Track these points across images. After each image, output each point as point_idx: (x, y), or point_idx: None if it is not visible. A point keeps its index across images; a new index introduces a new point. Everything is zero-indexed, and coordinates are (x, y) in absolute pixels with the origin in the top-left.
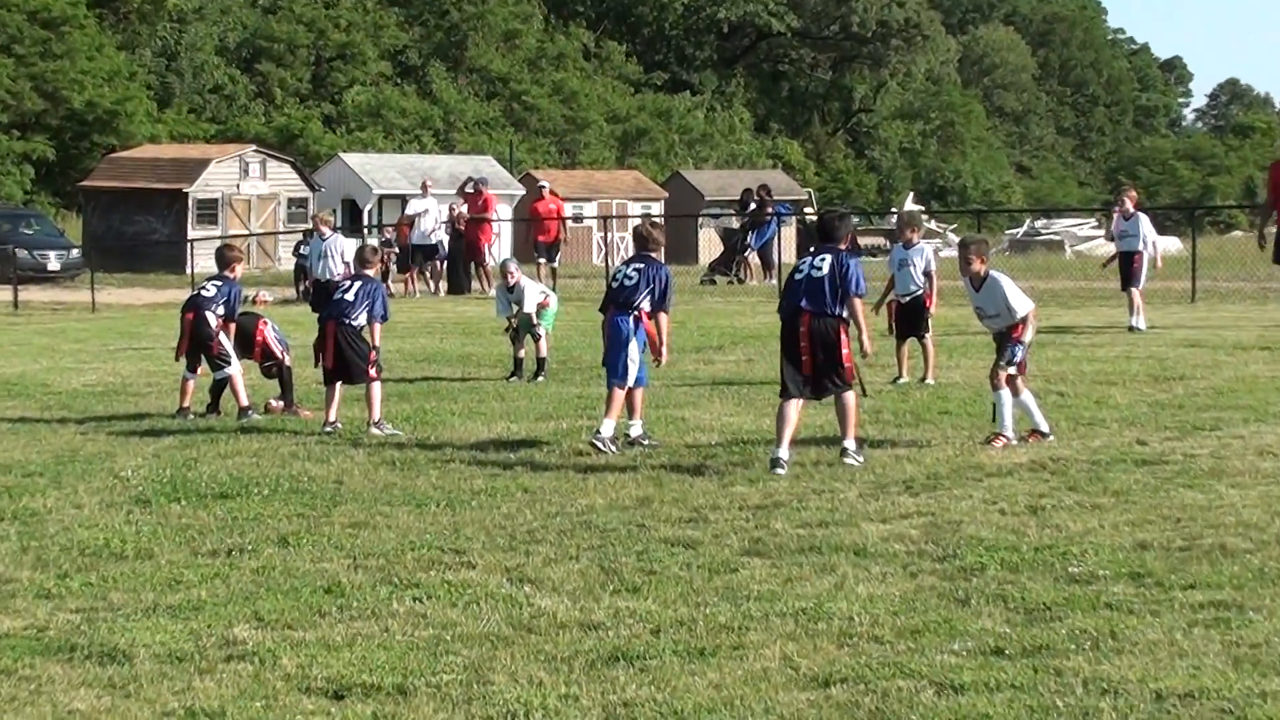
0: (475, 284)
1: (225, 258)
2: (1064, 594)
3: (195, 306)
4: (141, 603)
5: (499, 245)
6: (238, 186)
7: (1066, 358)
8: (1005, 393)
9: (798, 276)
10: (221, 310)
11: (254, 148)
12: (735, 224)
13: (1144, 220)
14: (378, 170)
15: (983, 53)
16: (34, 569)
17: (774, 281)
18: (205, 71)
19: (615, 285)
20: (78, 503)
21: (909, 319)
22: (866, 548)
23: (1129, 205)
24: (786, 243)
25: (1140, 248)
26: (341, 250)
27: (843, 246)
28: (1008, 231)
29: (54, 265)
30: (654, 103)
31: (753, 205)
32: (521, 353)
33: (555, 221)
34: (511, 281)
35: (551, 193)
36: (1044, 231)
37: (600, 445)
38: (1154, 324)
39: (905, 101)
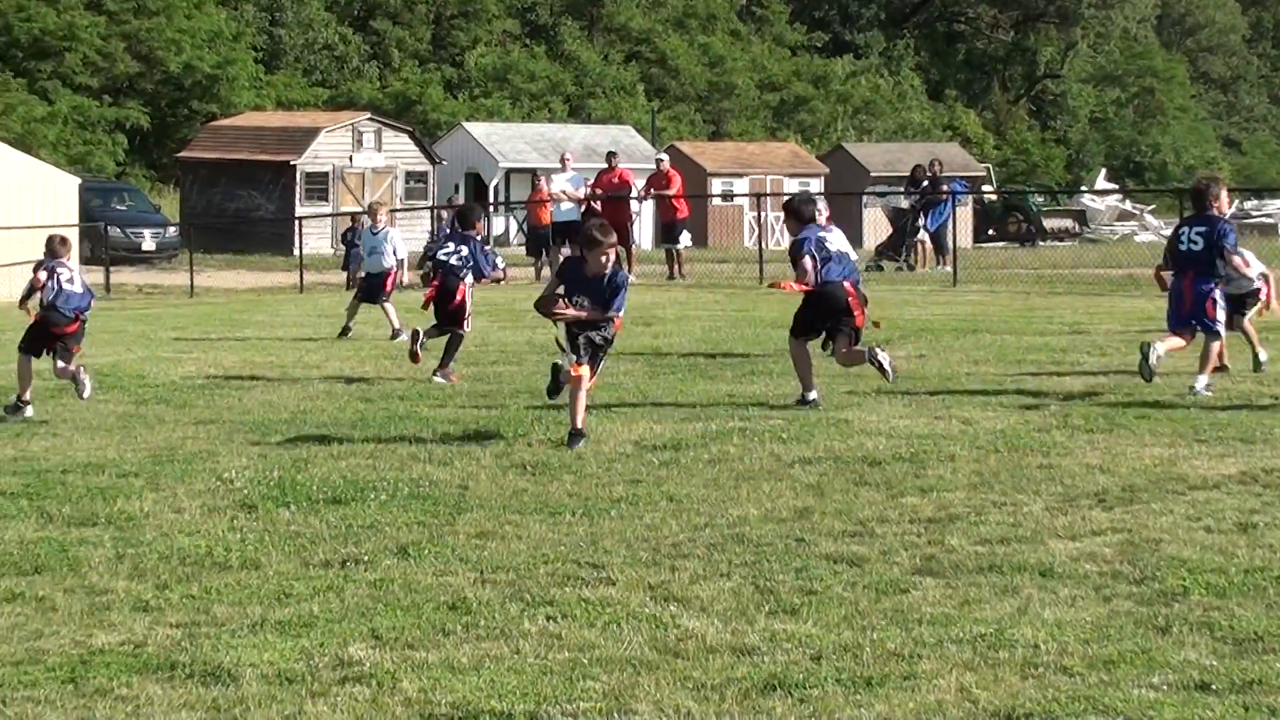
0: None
1: (468, 217)
2: (1278, 622)
3: (444, 270)
4: (247, 617)
5: (640, 225)
6: (350, 159)
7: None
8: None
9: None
10: (469, 277)
11: (368, 115)
12: (904, 203)
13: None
14: (504, 141)
15: (1186, 11)
16: (130, 579)
17: (948, 268)
18: (314, 30)
19: None
20: (177, 506)
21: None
22: (1053, 567)
23: None
24: (962, 224)
25: None
26: (395, 244)
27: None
28: None
29: (149, 245)
30: (812, 67)
31: (925, 182)
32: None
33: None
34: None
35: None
36: (1255, 214)
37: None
38: None
39: (1097, 66)
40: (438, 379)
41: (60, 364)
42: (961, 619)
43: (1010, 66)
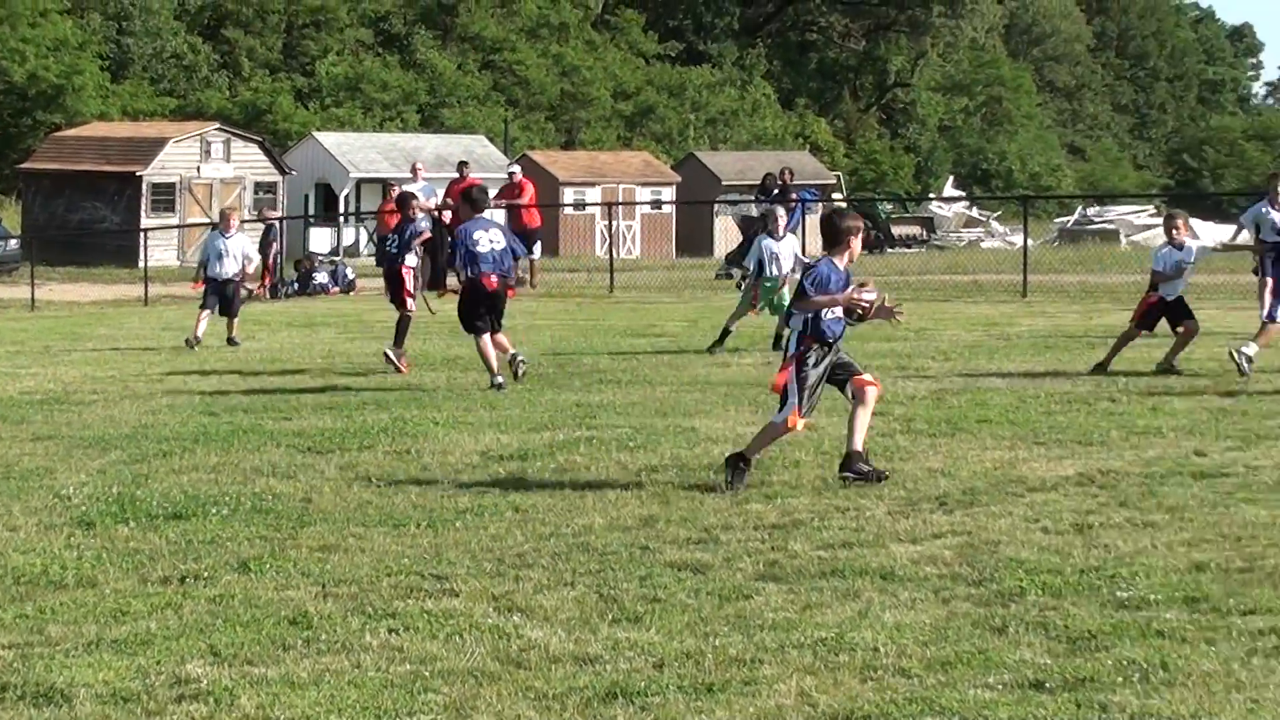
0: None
1: (406, 202)
2: (1111, 621)
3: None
4: (83, 637)
5: None
6: (198, 169)
7: (1119, 359)
8: None
9: None
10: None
11: (217, 126)
12: (754, 211)
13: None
14: (356, 151)
15: (1032, 20)
16: None
17: (797, 275)
18: (162, 39)
19: None
20: (12, 524)
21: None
22: (894, 571)
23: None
24: (811, 232)
25: None
26: (243, 251)
27: None
28: (1057, 220)
29: None
30: (666, 76)
31: (775, 190)
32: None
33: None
34: None
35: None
36: (1097, 220)
37: None
38: (1217, 324)
39: (946, 74)
40: (388, 351)
41: None
42: (803, 624)
43: (861, 75)
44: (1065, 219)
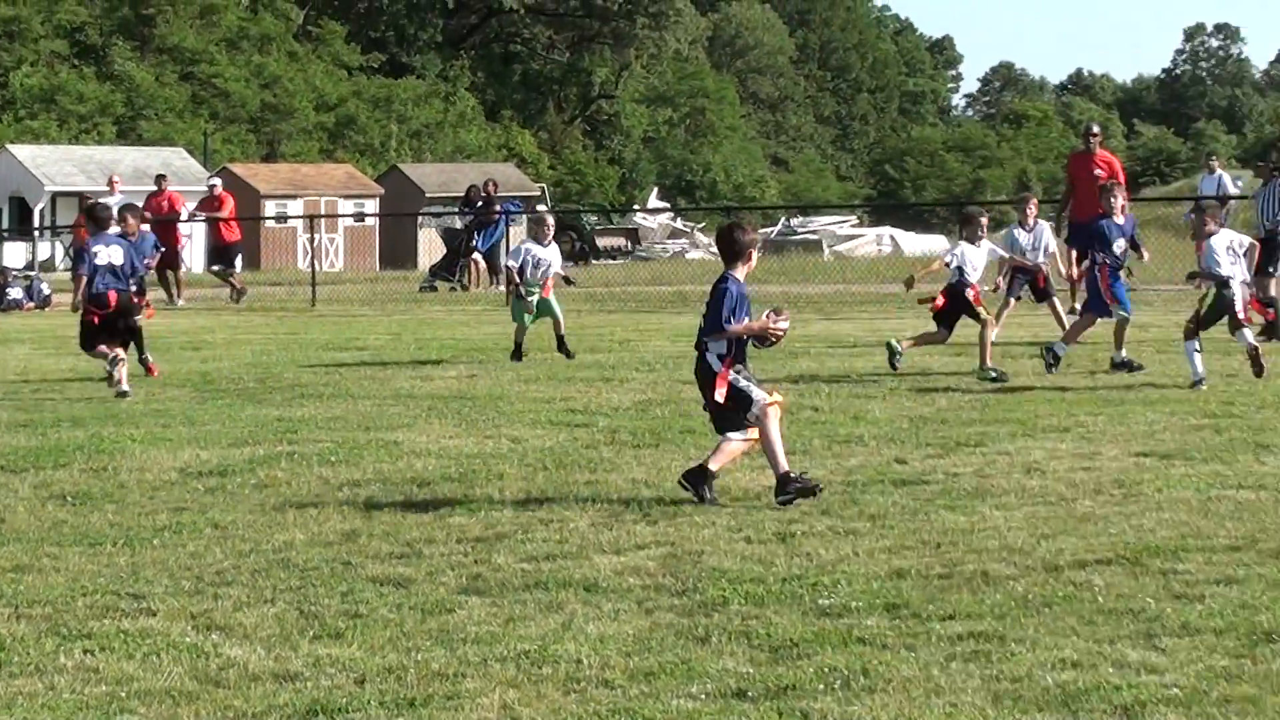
0: (164, 293)
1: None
2: (813, 629)
3: None
4: None
5: (190, 249)
6: None
7: (822, 369)
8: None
9: None
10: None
11: None
12: (459, 224)
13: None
14: (51, 164)
15: (735, 32)
16: None
17: (500, 288)
18: None
19: None
20: None
21: None
22: (598, 583)
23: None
24: (514, 244)
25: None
26: None
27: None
28: (761, 231)
29: None
30: (369, 88)
31: (479, 203)
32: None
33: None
34: None
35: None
36: (800, 230)
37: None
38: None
39: (650, 86)
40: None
41: None
42: (506, 637)
43: (565, 87)
44: (769, 230)
